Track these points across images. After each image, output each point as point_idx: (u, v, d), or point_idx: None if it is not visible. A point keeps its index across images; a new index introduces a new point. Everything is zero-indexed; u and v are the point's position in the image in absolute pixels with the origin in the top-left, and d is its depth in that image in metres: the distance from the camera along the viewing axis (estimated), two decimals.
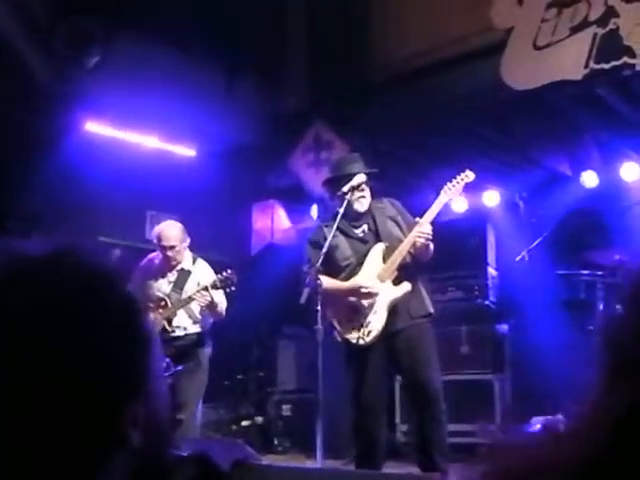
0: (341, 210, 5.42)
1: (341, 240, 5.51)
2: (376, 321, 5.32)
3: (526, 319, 8.17)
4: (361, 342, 5.31)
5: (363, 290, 5.35)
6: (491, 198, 9.23)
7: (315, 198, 9.00)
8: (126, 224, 8.90)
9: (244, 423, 9.14)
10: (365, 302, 5.36)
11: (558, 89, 7.04)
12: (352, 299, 5.40)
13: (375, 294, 5.35)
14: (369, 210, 5.57)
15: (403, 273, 5.40)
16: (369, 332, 5.30)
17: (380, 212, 5.57)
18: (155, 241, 6.57)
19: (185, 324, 6.45)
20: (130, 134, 8.91)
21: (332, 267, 5.48)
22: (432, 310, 5.51)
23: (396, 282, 5.39)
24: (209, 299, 6.27)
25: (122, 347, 1.00)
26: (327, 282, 5.44)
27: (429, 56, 8.02)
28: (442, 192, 5.63)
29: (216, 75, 9.24)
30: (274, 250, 10.41)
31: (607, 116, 7.63)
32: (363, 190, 5.52)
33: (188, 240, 6.57)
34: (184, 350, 6.42)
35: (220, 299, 6.43)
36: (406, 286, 5.38)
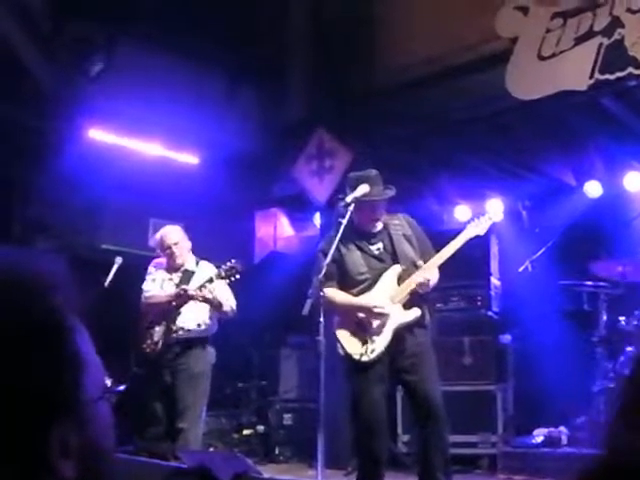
0: (344, 221, 5.35)
1: (356, 255, 5.46)
2: (381, 341, 5.29)
3: (529, 330, 8.15)
4: (364, 359, 5.28)
5: (375, 310, 5.32)
6: (495, 208, 9.18)
7: (318, 206, 8.95)
8: (129, 231, 8.86)
9: (246, 432, 9.11)
10: (374, 321, 5.33)
11: (563, 99, 6.99)
12: (362, 316, 5.36)
13: (386, 315, 5.32)
14: (385, 227, 5.52)
15: (414, 297, 5.39)
16: (373, 350, 5.27)
17: (396, 230, 5.52)
18: (158, 246, 6.58)
19: (189, 326, 6.39)
20: (133, 141, 8.87)
21: (346, 280, 5.45)
22: (429, 324, 5.52)
23: (407, 305, 5.37)
24: (211, 295, 6.23)
25: (42, 366, 0.90)
26: (339, 295, 5.42)
27: (434, 64, 7.95)
28: (467, 227, 5.62)
29: (219, 82, 9.19)
30: (277, 258, 10.43)
31: (612, 126, 7.59)
32: (376, 213, 5.47)
33: (190, 243, 6.57)
34: (186, 353, 6.36)
35: (227, 296, 6.39)
36: (416, 312, 5.35)
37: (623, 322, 7.10)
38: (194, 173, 9.22)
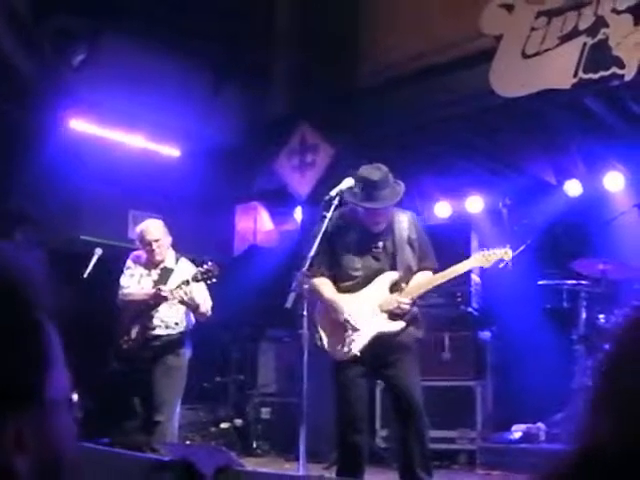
0: (328, 215, 5.25)
1: (353, 250, 5.31)
2: (358, 343, 5.20)
3: (508, 326, 8.16)
4: (338, 356, 5.24)
5: (347, 321, 5.20)
6: (474, 204, 9.20)
7: (299, 201, 8.92)
8: (108, 223, 8.81)
9: (223, 425, 9.04)
10: (350, 326, 5.23)
11: (546, 98, 7.01)
12: (337, 318, 5.27)
13: (356, 330, 5.19)
14: (390, 224, 5.32)
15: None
16: (349, 350, 5.19)
17: (401, 230, 5.32)
18: (138, 240, 6.50)
19: (167, 323, 6.34)
20: (115, 133, 8.82)
21: (339, 273, 5.33)
22: (420, 336, 5.41)
23: (393, 316, 5.24)
24: (188, 297, 6.17)
25: (5, 356, 0.89)
26: (325, 289, 5.32)
27: (418, 61, 7.97)
28: (472, 257, 5.50)
29: (203, 75, 9.17)
30: (256, 252, 10.38)
31: (593, 126, 7.62)
32: (378, 218, 5.27)
33: (170, 238, 6.50)
34: (163, 349, 6.31)
35: (204, 297, 6.34)
36: (400, 324, 5.22)
37: (602, 320, 7.13)
38: (175, 166, 9.18)
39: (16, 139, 7.85)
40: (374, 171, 5.25)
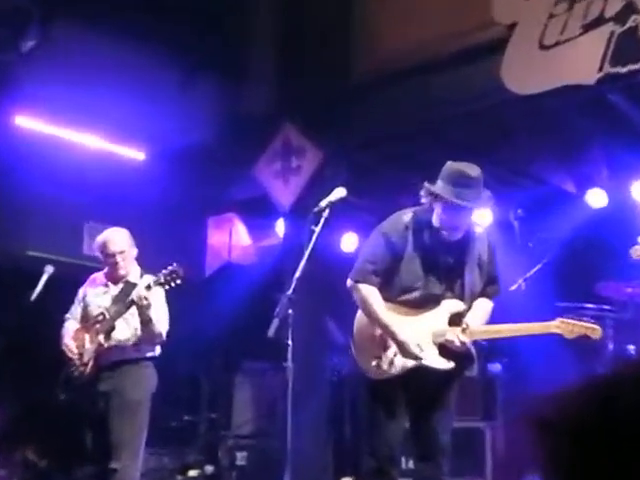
0: (317, 229, 5.23)
1: (417, 264, 5.19)
2: (396, 366, 5.16)
3: (522, 358, 8.09)
4: (369, 375, 5.25)
5: (407, 352, 5.12)
6: (483, 217, 9.09)
7: (282, 212, 8.84)
8: (61, 236, 8.78)
9: (191, 473, 9.03)
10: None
11: (566, 95, 7.02)
12: (384, 336, 5.21)
13: (415, 359, 5.14)
14: (466, 239, 5.28)
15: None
16: (384, 371, 5.17)
17: (475, 247, 5.32)
18: (100, 251, 6.36)
19: (123, 344, 6.13)
20: (69, 132, 8.83)
21: (398, 282, 5.22)
22: (473, 374, 5.67)
23: (445, 352, 5.20)
24: (147, 302, 5.97)
25: None
26: (376, 302, 5.20)
27: (416, 56, 7.94)
28: (555, 322, 5.39)
29: (174, 69, 9.22)
30: (232, 271, 10.37)
31: (620, 127, 7.61)
32: (458, 220, 5.17)
33: (136, 250, 6.39)
34: (120, 378, 6.11)
35: (159, 316, 6.15)
36: (449, 365, 5.20)
37: (632, 350, 7.06)
38: (139, 170, 9.21)
39: None
40: (470, 167, 5.15)
